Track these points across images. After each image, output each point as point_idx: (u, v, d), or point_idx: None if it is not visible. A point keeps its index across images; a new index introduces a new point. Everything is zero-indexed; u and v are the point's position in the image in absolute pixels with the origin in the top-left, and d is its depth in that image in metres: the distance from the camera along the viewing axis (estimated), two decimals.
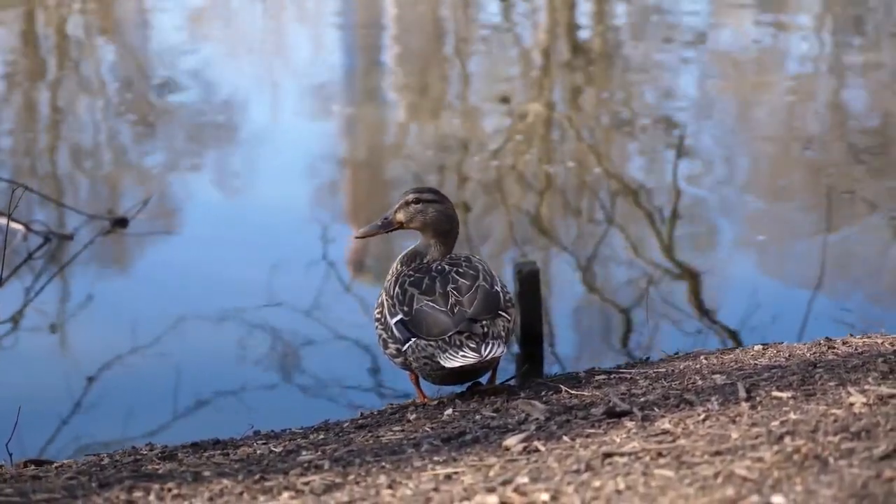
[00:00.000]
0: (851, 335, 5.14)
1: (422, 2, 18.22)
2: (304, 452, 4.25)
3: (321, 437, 4.55)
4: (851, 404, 3.93)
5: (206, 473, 3.93)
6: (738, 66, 14.16)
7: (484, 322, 4.72)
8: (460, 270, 4.86)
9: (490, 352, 4.64)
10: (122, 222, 9.08)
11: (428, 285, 4.80)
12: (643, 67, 14.18)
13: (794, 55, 14.98)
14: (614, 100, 12.87)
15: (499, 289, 4.86)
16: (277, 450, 4.34)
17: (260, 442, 4.50)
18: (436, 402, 4.86)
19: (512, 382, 5.11)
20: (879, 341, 4.92)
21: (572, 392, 4.67)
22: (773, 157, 10.68)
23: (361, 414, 4.94)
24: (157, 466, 4.19)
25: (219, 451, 4.38)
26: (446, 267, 4.88)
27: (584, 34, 16.46)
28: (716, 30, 16.23)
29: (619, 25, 16.92)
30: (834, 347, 4.89)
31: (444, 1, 18.38)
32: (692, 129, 11.55)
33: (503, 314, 4.79)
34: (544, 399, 4.63)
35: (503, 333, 4.74)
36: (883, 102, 12.55)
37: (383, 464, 3.99)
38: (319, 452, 4.23)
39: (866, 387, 4.07)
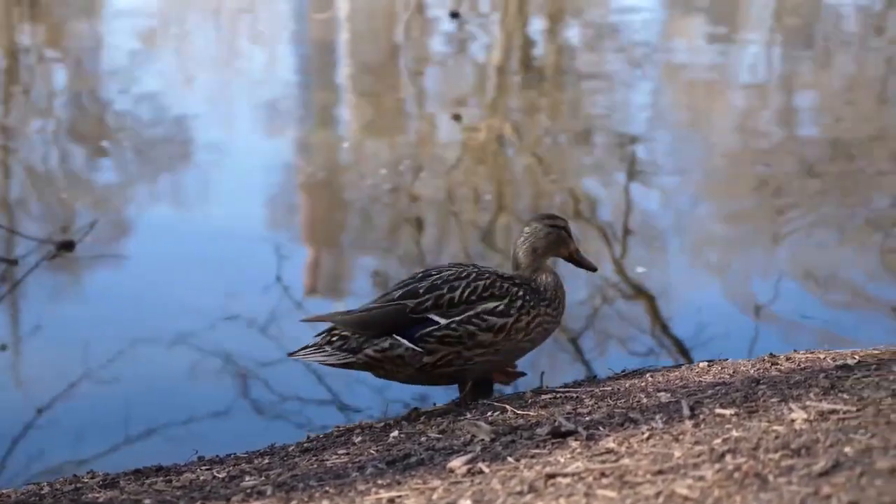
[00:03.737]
0: (795, 351, 5.17)
1: (375, 19, 18.23)
2: (247, 478, 4.23)
3: (266, 461, 4.52)
4: (793, 420, 3.94)
5: (147, 501, 3.90)
6: (690, 80, 14.23)
7: (331, 330, 4.97)
8: (437, 281, 4.98)
9: (297, 355, 5.03)
10: (68, 245, 9.00)
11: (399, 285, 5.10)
12: (596, 83, 14.23)
13: (746, 68, 15.08)
14: (567, 115, 12.90)
15: (435, 316, 4.91)
16: (221, 476, 4.31)
17: (204, 468, 4.47)
18: (382, 425, 4.85)
19: (458, 403, 5.10)
20: (822, 357, 4.94)
21: (518, 412, 4.67)
22: (726, 171, 10.74)
23: (308, 437, 4.92)
24: (97, 495, 4.15)
25: (161, 478, 4.35)
26: (447, 275, 5.03)
27: (537, 50, 16.51)
28: (668, 44, 16.32)
29: (573, 41, 16.98)
30: (777, 364, 4.91)
31: (397, 18, 18.40)
32: (645, 145, 11.60)
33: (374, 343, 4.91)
34: (490, 419, 4.62)
35: (344, 347, 4.93)
36: (834, 115, 12.64)
37: (327, 488, 3.97)
38: (263, 478, 4.21)
39: (808, 403, 4.08)
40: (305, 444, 4.76)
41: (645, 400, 4.57)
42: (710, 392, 4.51)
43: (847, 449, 3.55)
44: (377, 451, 4.44)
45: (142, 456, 5.36)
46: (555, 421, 4.37)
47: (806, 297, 8.20)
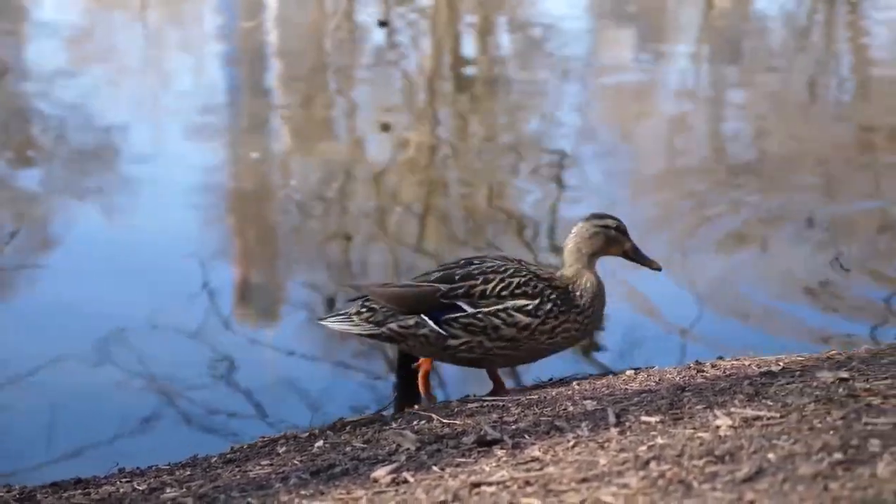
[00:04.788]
0: (721, 358, 5.18)
1: (304, 28, 18.15)
2: (168, 490, 4.16)
3: (188, 473, 4.45)
4: (717, 427, 3.94)
5: None
6: (619, 90, 14.30)
7: (365, 300, 5.20)
8: (474, 271, 5.15)
9: (325, 321, 5.34)
10: None
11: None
12: (527, 95, 14.26)
13: (674, 79, 15.17)
14: (498, 125, 12.91)
15: (462, 302, 5.08)
16: (141, 488, 4.24)
17: (124, 480, 4.39)
18: (306, 435, 4.79)
19: (384, 412, 5.06)
20: (747, 363, 4.95)
21: (444, 421, 4.64)
22: (653, 185, 10.78)
23: (231, 448, 4.85)
24: None
25: (80, 491, 4.27)
26: (486, 267, 5.18)
27: (467, 59, 16.52)
28: (597, 54, 16.39)
29: (503, 50, 17.00)
30: (703, 371, 4.91)
31: (326, 28, 18.33)
32: (574, 154, 11.62)
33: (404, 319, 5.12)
34: (416, 428, 4.58)
35: (370, 319, 5.16)
36: (760, 129, 12.75)
37: (249, 499, 3.92)
38: (184, 489, 4.14)
39: (732, 409, 4.08)
40: (229, 456, 4.70)
41: (571, 408, 4.55)
42: (636, 399, 4.50)
43: (771, 455, 3.55)
44: (301, 461, 4.39)
45: (62, 469, 5.26)
46: (480, 429, 4.35)
47: (729, 306, 8.24)
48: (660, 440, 3.89)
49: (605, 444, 3.98)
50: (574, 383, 5.08)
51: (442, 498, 3.68)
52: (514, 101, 13.94)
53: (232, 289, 8.92)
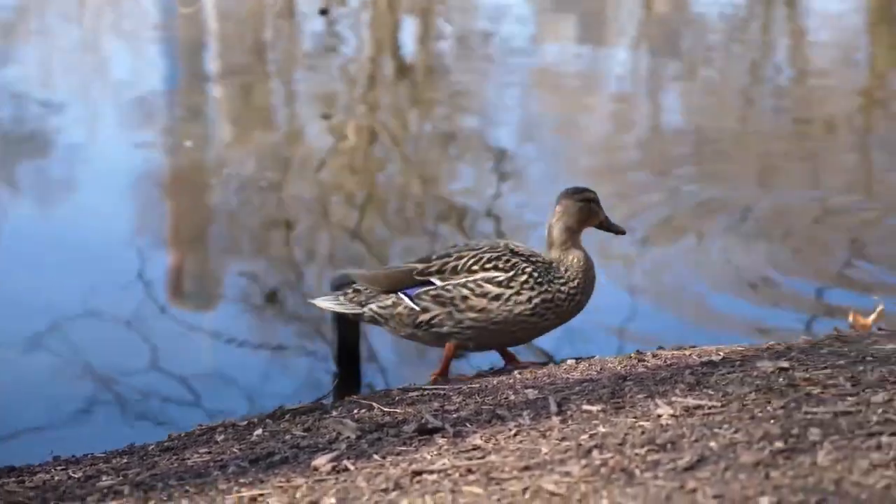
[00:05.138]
0: (661, 348, 5.18)
1: (243, 15, 18.03)
2: (104, 478, 4.10)
3: (124, 461, 4.39)
4: (659, 416, 3.94)
5: None
6: (559, 85, 14.32)
7: (352, 284, 5.32)
8: (451, 251, 5.25)
9: (315, 300, 5.44)
10: None
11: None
12: (467, 84, 14.25)
13: (614, 75, 15.23)
14: (438, 116, 12.89)
15: (435, 281, 5.17)
16: (77, 476, 4.17)
17: (59, 468, 4.32)
18: (245, 423, 4.74)
19: (325, 400, 5.02)
20: (688, 353, 4.96)
21: (385, 409, 4.60)
22: (591, 175, 10.81)
23: (169, 436, 4.79)
24: None
25: (13, 479, 4.19)
26: (462, 246, 5.31)
27: (408, 51, 16.48)
28: (538, 49, 16.41)
29: (444, 42, 16.98)
30: (644, 360, 4.92)
31: (266, 15, 18.22)
32: (513, 145, 11.63)
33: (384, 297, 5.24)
34: (356, 417, 4.55)
35: (355, 299, 5.29)
36: (698, 122, 12.82)
37: (187, 487, 3.87)
38: (121, 477, 4.08)
39: (673, 398, 4.09)
40: (166, 444, 4.64)
41: (512, 397, 4.53)
42: (577, 389, 4.49)
43: (712, 444, 3.55)
44: (240, 449, 4.34)
45: None
46: (422, 418, 4.32)
47: (668, 297, 8.28)
48: (601, 429, 3.88)
49: (547, 433, 3.97)
50: (515, 372, 5.06)
51: (383, 486, 3.65)
52: (454, 90, 13.92)
53: (168, 276, 8.84)
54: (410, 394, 4.90)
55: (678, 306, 8.12)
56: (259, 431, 4.56)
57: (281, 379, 7.37)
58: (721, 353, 4.83)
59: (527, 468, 3.62)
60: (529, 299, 5.13)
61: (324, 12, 13.98)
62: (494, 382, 4.90)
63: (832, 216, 9.66)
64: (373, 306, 5.28)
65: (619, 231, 5.41)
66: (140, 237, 9.54)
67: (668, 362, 4.82)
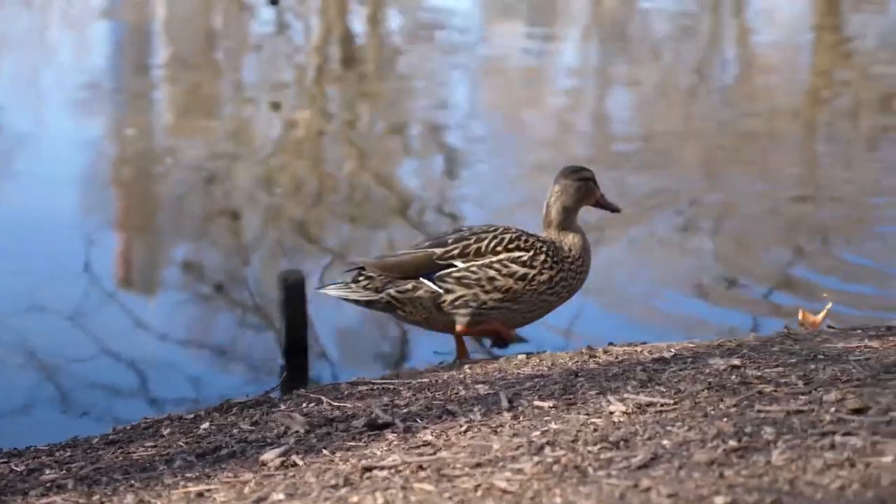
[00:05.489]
0: (612, 344, 5.16)
1: (192, 4, 17.86)
2: (47, 471, 4.02)
3: (68, 454, 4.31)
4: (611, 413, 3.91)
5: None
6: (508, 76, 14.30)
7: (361, 270, 5.25)
8: (465, 234, 5.24)
9: (324, 289, 5.37)
10: None
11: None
12: (416, 75, 14.20)
13: (562, 66, 15.23)
14: (387, 106, 12.83)
15: (446, 260, 5.17)
16: (19, 469, 4.09)
17: (1, 461, 4.24)
18: (192, 416, 4.67)
19: (272, 394, 4.96)
20: (639, 350, 4.94)
21: (334, 403, 4.55)
22: (538, 168, 10.78)
23: (113, 429, 4.70)
24: None
25: None
26: (477, 228, 5.28)
27: (357, 41, 16.40)
28: (488, 40, 16.38)
29: (393, 33, 16.92)
30: (595, 356, 4.89)
31: (215, 5, 18.06)
32: (462, 137, 11.59)
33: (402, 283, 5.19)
34: (305, 411, 4.49)
35: (369, 286, 5.22)
36: (645, 116, 12.85)
37: (132, 482, 3.80)
38: (64, 471, 4.00)
39: (625, 395, 4.06)
40: (111, 437, 4.56)
41: (463, 392, 4.49)
42: (528, 384, 4.46)
43: (665, 441, 3.53)
44: (186, 443, 4.27)
45: None
46: (371, 413, 4.27)
47: (619, 293, 8.26)
48: (553, 425, 3.85)
49: (499, 429, 3.93)
50: (466, 367, 5.02)
51: (333, 482, 3.59)
52: (404, 80, 13.86)
53: (113, 266, 8.73)
54: (359, 388, 4.85)
55: (624, 304, 8.11)
56: (206, 425, 4.49)
57: (227, 370, 7.29)
58: (672, 350, 4.81)
59: (478, 465, 3.58)
60: (550, 279, 5.18)
61: (274, 2, 13.90)
62: (445, 377, 4.85)
63: (779, 213, 9.70)
64: (391, 291, 5.22)
65: (614, 209, 5.46)
66: (84, 226, 9.42)
67: (620, 359, 4.79)
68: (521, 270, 5.14)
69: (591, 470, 3.42)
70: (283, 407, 4.62)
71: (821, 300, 6.75)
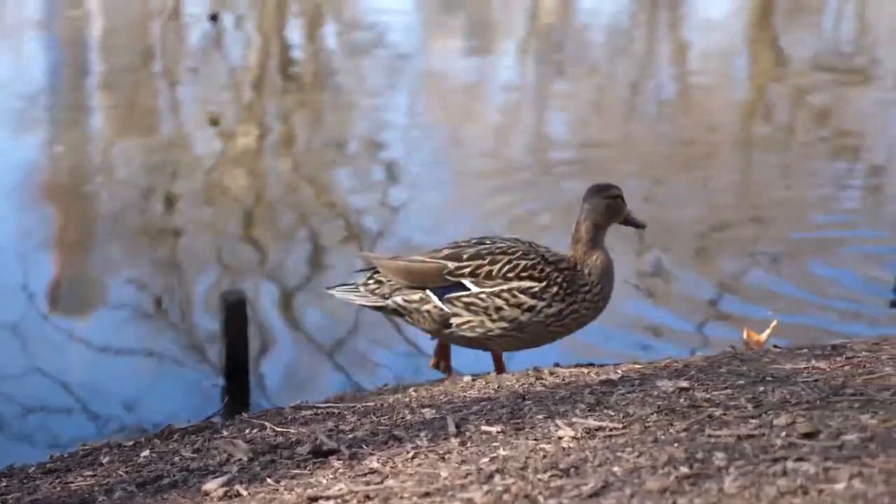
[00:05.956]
0: (558, 365, 5.12)
1: (130, 19, 17.69)
2: None
3: (3, 484, 4.19)
4: (560, 438, 3.86)
5: None
6: (446, 91, 14.26)
7: (369, 274, 5.22)
8: (483, 251, 5.15)
9: (332, 290, 5.28)
10: None
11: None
12: (354, 89, 14.13)
13: (500, 81, 15.23)
14: (325, 121, 12.75)
15: (462, 278, 5.10)
16: None
17: None
18: (132, 443, 4.57)
19: (214, 418, 4.86)
20: (586, 371, 4.89)
21: (278, 429, 4.46)
22: (476, 182, 10.76)
23: (51, 457, 4.59)
24: None
25: None
26: (496, 247, 5.18)
27: (296, 56, 16.30)
28: (426, 55, 16.35)
29: (331, 46, 16.84)
30: (542, 378, 4.84)
31: (153, 19, 17.90)
32: (402, 153, 11.54)
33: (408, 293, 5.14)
34: (248, 437, 4.40)
35: (377, 291, 5.18)
36: (584, 129, 12.86)
37: None
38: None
39: (574, 419, 4.01)
40: (48, 465, 4.44)
41: (409, 416, 4.42)
42: (475, 408, 4.39)
43: (616, 468, 3.48)
44: (126, 472, 4.17)
45: None
46: (316, 439, 4.19)
47: None
48: (502, 452, 3.79)
49: (446, 456, 3.87)
50: (411, 390, 4.96)
51: None
52: (342, 96, 13.79)
53: (49, 285, 8.59)
54: (303, 412, 4.76)
55: None
56: (146, 452, 4.39)
57: (168, 392, 7.18)
58: (619, 372, 4.77)
59: (427, 494, 3.51)
60: (560, 311, 5.12)
61: (213, 18, 13.79)
62: (390, 401, 4.78)
63: (715, 224, 9.72)
64: (398, 299, 5.18)
65: (640, 225, 5.41)
66: (19, 244, 9.26)
67: (567, 381, 4.74)
68: (530, 302, 5.08)
69: (541, 499, 3.36)
70: (225, 433, 4.53)
71: (762, 313, 6.75)
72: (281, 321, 7.81)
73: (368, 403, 4.76)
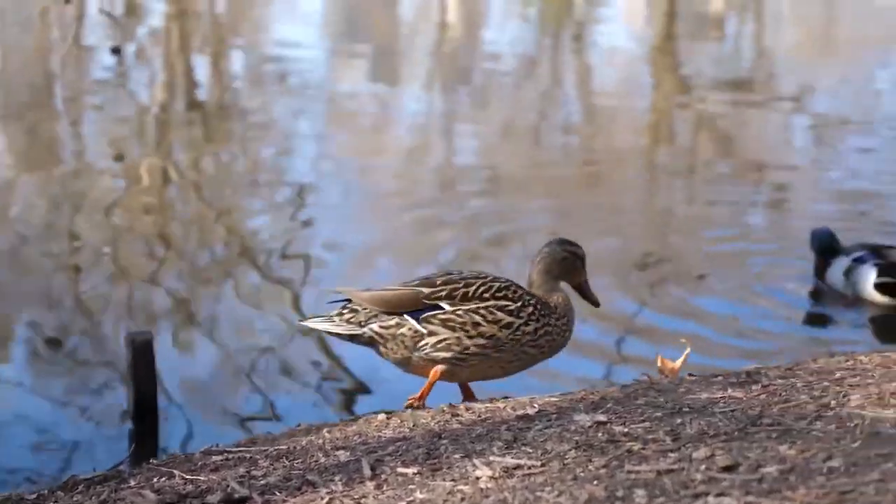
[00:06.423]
0: (475, 399, 5.05)
1: (29, 51, 17.41)
2: None
3: None
4: (478, 479, 3.79)
5: None
6: (354, 123, 14.19)
7: (344, 304, 5.23)
8: (455, 277, 5.21)
9: (307, 322, 5.28)
10: None
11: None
12: (261, 120, 14.00)
13: (406, 109, 15.20)
14: (232, 154, 12.61)
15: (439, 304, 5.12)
16: None
17: None
18: (34, 496, 4.41)
19: (122, 467, 4.72)
20: (502, 406, 4.83)
21: (187, 477, 4.34)
22: (387, 212, 10.69)
23: None
24: None
25: None
26: (466, 275, 5.25)
27: (201, 89, 16.13)
28: (333, 86, 16.26)
29: (237, 80, 16.69)
30: (458, 415, 4.76)
31: (54, 51, 17.63)
32: (310, 187, 11.43)
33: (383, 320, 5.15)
34: (156, 487, 4.27)
35: (352, 320, 5.18)
36: (492, 157, 12.85)
37: None
38: None
39: (492, 458, 3.94)
40: None
41: (323, 459, 4.32)
42: (390, 448, 4.31)
43: None
44: None
45: None
46: (227, 486, 4.08)
47: None
48: (419, 495, 3.71)
49: (362, 501, 3.78)
50: (325, 431, 4.85)
51: None
52: (249, 129, 13.66)
53: None
54: (213, 458, 4.64)
55: None
56: None
57: (74, 435, 6.98)
58: (536, 405, 4.72)
59: None
60: (535, 331, 5.16)
61: (116, 51, 13.60)
62: (304, 443, 4.68)
63: (624, 251, 9.72)
64: (374, 326, 5.17)
65: (594, 302, 5.47)
66: None
67: (483, 416, 4.67)
68: (507, 319, 5.11)
69: None
70: (132, 482, 4.39)
71: (679, 345, 6.73)
72: (190, 360, 7.65)
73: (281, 446, 4.65)
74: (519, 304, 5.16)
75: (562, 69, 18.76)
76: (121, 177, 11.71)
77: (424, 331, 5.12)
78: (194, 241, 9.90)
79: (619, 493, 3.41)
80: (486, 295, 5.15)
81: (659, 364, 5.89)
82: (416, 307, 5.14)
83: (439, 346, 5.11)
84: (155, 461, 4.77)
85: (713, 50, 20.69)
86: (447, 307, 5.12)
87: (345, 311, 5.25)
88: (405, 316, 5.15)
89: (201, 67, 17.58)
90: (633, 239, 9.99)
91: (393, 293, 5.19)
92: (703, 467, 3.57)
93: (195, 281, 9.04)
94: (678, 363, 5.87)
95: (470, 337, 5.10)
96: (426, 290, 5.16)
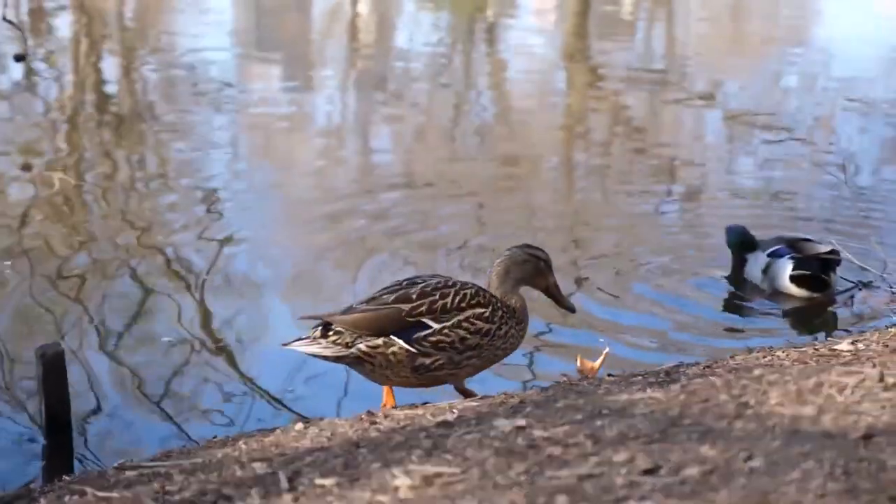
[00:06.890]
0: (394, 407, 4.99)
1: None
2: None
3: None
4: (397, 488, 3.73)
5: None
6: (267, 128, 14.06)
7: (330, 325, 5.27)
8: (426, 288, 5.31)
9: (291, 345, 5.34)
10: None
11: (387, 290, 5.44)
12: (173, 125, 13.83)
13: (321, 116, 15.10)
14: (145, 161, 12.42)
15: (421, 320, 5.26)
16: None
17: None
18: None
19: (33, 485, 4.60)
20: (421, 412, 4.78)
21: (99, 494, 4.23)
22: (305, 219, 10.59)
23: None
24: None
25: None
26: (434, 283, 5.35)
27: (112, 95, 15.89)
28: (246, 89, 16.11)
29: (148, 83, 16.47)
30: (376, 422, 4.70)
31: None
32: (226, 193, 11.30)
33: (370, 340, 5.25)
34: None
35: (338, 341, 5.25)
36: (408, 162, 12.80)
37: None
38: None
39: (411, 466, 3.89)
40: None
41: (240, 472, 4.24)
42: (308, 459, 4.23)
43: None
44: None
45: None
46: None
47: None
48: None
49: None
50: (241, 442, 4.76)
51: None
52: (161, 135, 13.48)
53: None
54: (127, 473, 4.54)
55: None
56: None
57: None
58: (455, 411, 4.67)
59: None
60: (506, 333, 5.37)
61: (20, 58, 13.37)
62: (219, 455, 4.59)
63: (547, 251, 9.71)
64: (361, 346, 5.24)
65: (568, 308, 5.64)
66: None
67: (402, 424, 4.62)
68: (485, 326, 5.29)
69: None
70: (43, 502, 4.28)
71: (598, 346, 6.72)
72: (104, 373, 7.49)
73: (196, 460, 4.56)
74: (490, 308, 5.32)
75: (475, 70, 18.76)
76: (30, 187, 11.48)
77: (417, 352, 5.25)
78: (107, 249, 9.72)
79: (540, 501, 3.37)
80: (463, 304, 5.28)
81: (578, 365, 5.87)
82: (400, 326, 5.23)
83: (433, 366, 5.27)
84: (67, 478, 4.66)
85: (624, 45, 20.83)
86: (433, 324, 5.24)
87: (330, 333, 5.29)
88: (392, 336, 5.24)
89: (112, 73, 17.33)
90: (547, 238, 9.98)
91: (375, 315, 5.24)
92: (624, 471, 3.54)
93: (108, 289, 8.87)
94: (597, 363, 5.86)
95: (459, 352, 5.28)
96: (406, 308, 5.25)
